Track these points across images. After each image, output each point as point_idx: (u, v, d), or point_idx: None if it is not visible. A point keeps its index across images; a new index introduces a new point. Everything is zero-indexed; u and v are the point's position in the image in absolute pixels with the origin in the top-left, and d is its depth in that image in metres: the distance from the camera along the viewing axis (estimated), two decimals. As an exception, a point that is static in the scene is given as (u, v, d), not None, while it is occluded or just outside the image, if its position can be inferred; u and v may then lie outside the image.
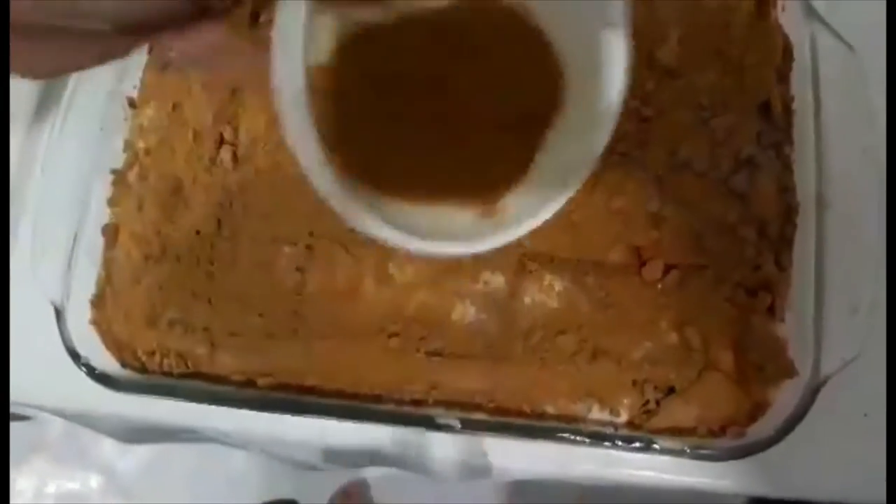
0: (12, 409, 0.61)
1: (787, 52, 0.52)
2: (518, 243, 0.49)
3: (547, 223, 0.49)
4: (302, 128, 0.35)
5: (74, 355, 0.51)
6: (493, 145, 0.40)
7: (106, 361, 0.53)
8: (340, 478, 1.20)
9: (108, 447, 1.26)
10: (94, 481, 1.26)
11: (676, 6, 0.53)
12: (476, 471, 0.52)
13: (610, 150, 0.49)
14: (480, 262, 0.50)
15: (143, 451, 1.26)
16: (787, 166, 0.51)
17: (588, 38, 0.37)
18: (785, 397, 0.47)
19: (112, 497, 1.26)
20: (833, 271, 0.48)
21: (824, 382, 0.46)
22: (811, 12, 0.51)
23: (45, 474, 1.27)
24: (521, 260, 0.50)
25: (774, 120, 0.51)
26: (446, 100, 0.40)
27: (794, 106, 0.52)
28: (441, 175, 0.40)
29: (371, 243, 0.50)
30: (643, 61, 0.52)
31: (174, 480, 1.25)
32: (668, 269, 0.49)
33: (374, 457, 0.53)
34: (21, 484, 1.26)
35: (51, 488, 1.27)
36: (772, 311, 0.49)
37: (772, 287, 0.49)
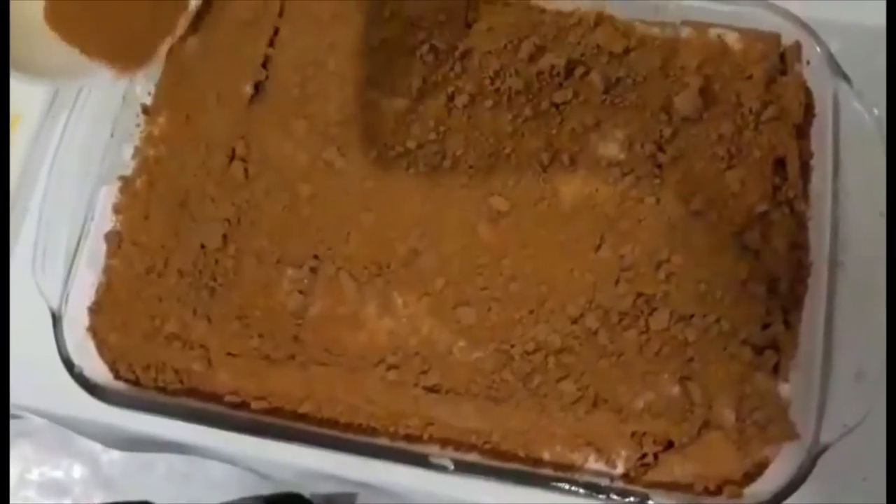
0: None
1: (809, 108, 0.52)
2: (527, 284, 0.49)
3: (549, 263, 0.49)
4: None
5: (68, 364, 0.51)
6: None
7: (99, 371, 0.52)
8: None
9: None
10: (78, 471, 1.25)
11: (700, 54, 0.52)
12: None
13: (625, 194, 0.50)
14: (489, 299, 0.50)
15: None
16: (801, 224, 0.50)
17: None
18: (784, 459, 0.47)
19: (94, 488, 1.25)
20: (842, 334, 0.47)
21: (824, 450, 0.45)
22: (836, 70, 0.51)
23: (28, 460, 1.26)
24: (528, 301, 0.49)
25: (791, 176, 0.51)
26: None
27: (813, 163, 0.51)
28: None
29: (377, 271, 0.51)
30: (661, 107, 0.52)
31: (158, 476, 1.24)
32: (674, 319, 0.48)
33: (363, 487, 0.53)
34: (4, 469, 1.25)
35: (34, 475, 1.25)
36: (777, 371, 0.48)
37: (779, 346, 0.48)
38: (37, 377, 0.54)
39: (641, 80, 0.52)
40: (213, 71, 0.56)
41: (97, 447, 1.27)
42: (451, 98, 0.53)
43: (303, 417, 0.50)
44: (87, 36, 0.54)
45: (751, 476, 0.47)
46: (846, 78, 0.51)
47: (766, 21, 0.53)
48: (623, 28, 0.54)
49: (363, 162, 0.53)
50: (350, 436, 0.49)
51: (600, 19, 0.54)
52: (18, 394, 0.56)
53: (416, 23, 0.55)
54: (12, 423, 0.73)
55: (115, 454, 1.26)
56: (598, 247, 0.50)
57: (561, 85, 0.53)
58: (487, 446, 0.49)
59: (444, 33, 0.54)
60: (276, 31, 0.57)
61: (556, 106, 0.52)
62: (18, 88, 0.60)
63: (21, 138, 0.61)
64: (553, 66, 0.52)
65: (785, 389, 0.48)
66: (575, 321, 0.49)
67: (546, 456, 0.48)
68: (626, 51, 0.53)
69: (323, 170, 0.53)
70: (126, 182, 0.55)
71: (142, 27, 0.55)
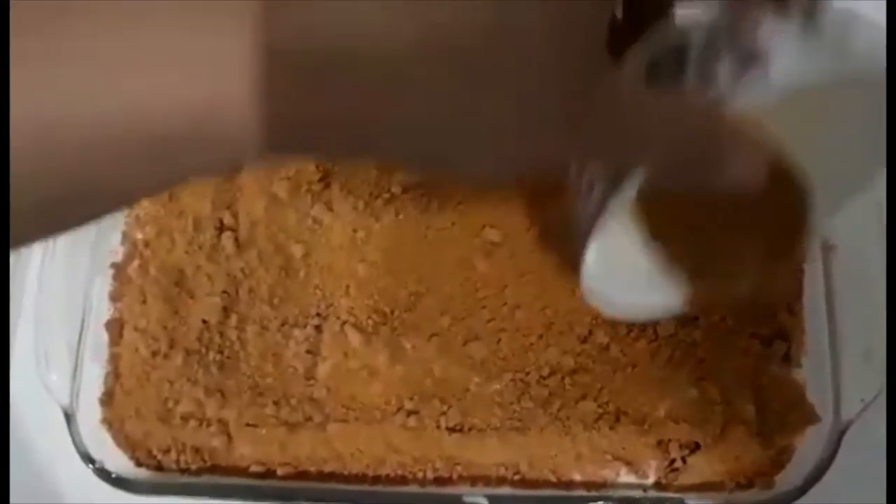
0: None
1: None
2: (532, 311, 0.50)
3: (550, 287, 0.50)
4: None
5: (88, 460, 0.50)
6: None
7: (120, 461, 0.52)
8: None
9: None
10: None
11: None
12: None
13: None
14: (496, 330, 0.50)
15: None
16: (789, 211, 0.51)
17: None
18: (809, 442, 0.47)
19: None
20: (844, 314, 0.48)
21: (847, 427, 0.46)
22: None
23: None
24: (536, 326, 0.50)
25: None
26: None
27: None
28: None
29: (382, 320, 0.51)
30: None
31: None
32: (681, 323, 0.49)
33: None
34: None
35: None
36: (788, 358, 0.49)
37: (786, 334, 0.49)
38: (55, 476, 0.53)
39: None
40: (189, 146, 0.56)
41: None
42: (429, 138, 0.54)
43: (330, 477, 0.50)
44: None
45: (779, 464, 0.48)
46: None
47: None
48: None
49: (351, 214, 0.53)
50: (380, 488, 0.49)
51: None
52: (36, 495, 0.55)
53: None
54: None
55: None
56: (596, 264, 0.50)
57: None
58: (517, 477, 0.49)
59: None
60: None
61: (534, 132, 0.53)
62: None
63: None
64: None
65: (798, 375, 0.49)
66: (585, 339, 0.50)
67: (577, 477, 0.48)
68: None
69: (312, 228, 0.54)
70: (118, 268, 0.55)
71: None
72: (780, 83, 0.29)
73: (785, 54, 0.29)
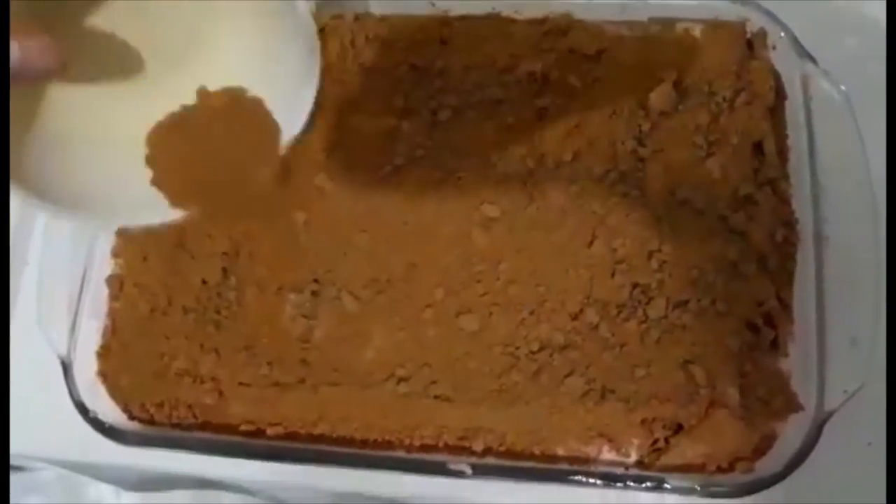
0: (14, 462, 0.61)
1: (780, 91, 0.54)
2: (525, 286, 0.51)
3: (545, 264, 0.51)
4: None
5: (82, 409, 0.51)
6: None
7: (113, 413, 0.53)
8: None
9: (104, 488, 1.24)
10: (90, 522, 1.24)
11: (670, 49, 0.54)
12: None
13: (610, 190, 0.52)
14: (489, 304, 0.51)
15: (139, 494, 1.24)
16: (784, 202, 0.51)
17: None
18: (791, 430, 0.48)
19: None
20: (833, 304, 0.49)
21: (829, 417, 0.46)
22: (801, 51, 0.53)
23: (39, 516, 1.25)
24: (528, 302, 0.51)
25: (769, 158, 0.52)
26: None
27: (789, 143, 0.53)
28: None
29: (378, 288, 0.52)
30: (638, 103, 0.53)
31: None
32: (671, 306, 0.50)
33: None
34: (14, 528, 1.23)
35: (46, 531, 1.24)
36: (775, 346, 0.49)
37: (774, 322, 0.49)
38: (52, 428, 0.54)
39: (617, 79, 0.54)
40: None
41: (109, 495, 1.26)
42: (434, 113, 0.55)
43: (319, 439, 0.51)
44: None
45: (761, 450, 0.48)
46: (812, 58, 0.52)
47: (731, 11, 0.54)
48: (593, 30, 0.55)
49: (353, 184, 0.54)
50: (367, 451, 0.50)
51: (570, 24, 0.55)
52: (30, 445, 0.56)
53: (392, 44, 0.56)
54: (21, 477, 0.73)
55: (128, 498, 1.25)
56: (591, 243, 0.51)
57: (539, 91, 0.54)
58: (503, 448, 0.50)
59: (421, 52, 0.56)
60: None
61: (537, 111, 0.54)
62: None
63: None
64: (530, 74, 0.54)
65: (785, 363, 0.49)
66: (575, 317, 0.50)
67: (560, 451, 0.49)
68: (599, 52, 0.55)
69: (315, 196, 0.55)
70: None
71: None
72: None
73: None
